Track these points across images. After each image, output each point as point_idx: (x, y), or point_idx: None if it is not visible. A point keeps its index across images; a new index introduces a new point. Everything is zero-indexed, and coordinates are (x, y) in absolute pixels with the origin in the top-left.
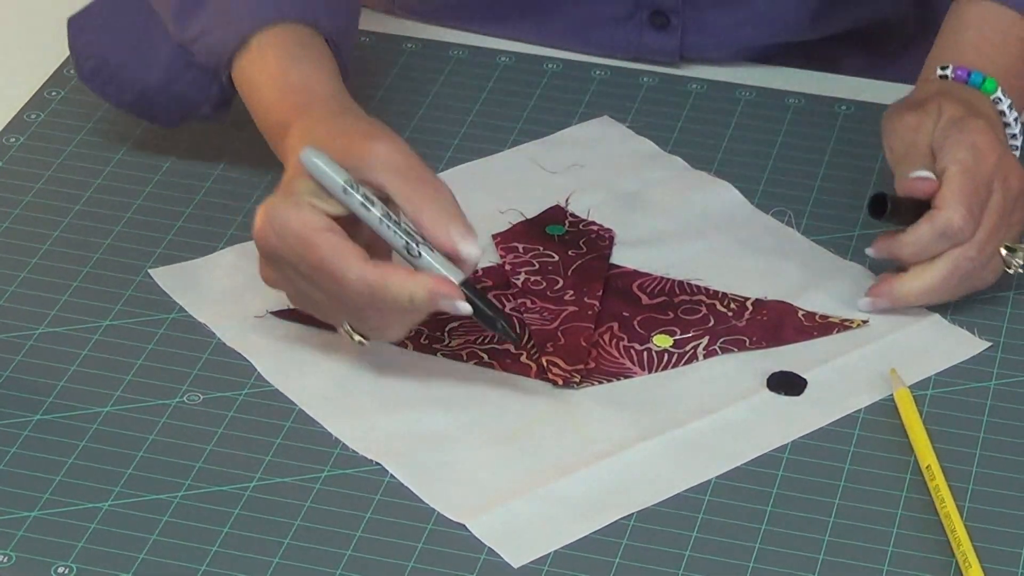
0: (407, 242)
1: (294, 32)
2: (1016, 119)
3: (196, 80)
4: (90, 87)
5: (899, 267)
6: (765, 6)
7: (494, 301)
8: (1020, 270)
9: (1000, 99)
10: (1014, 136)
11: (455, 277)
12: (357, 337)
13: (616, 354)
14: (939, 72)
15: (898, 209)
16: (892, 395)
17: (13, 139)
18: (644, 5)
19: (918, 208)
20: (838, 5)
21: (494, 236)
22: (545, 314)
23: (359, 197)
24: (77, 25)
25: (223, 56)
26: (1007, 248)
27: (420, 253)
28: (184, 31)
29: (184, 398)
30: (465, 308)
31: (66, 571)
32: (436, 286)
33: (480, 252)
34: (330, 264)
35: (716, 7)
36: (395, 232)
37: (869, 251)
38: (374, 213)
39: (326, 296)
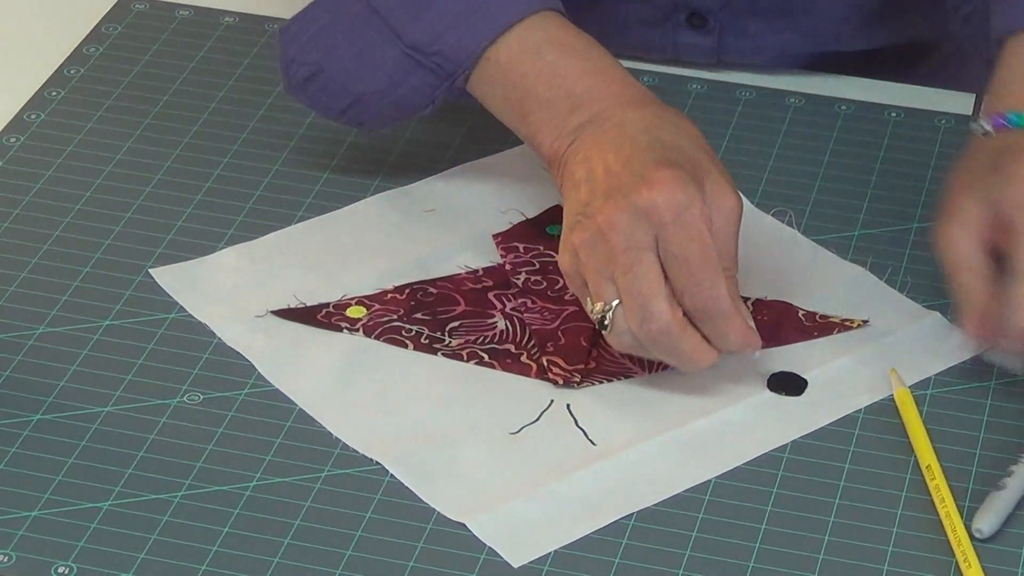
0: None
1: (553, 19)
2: None
3: (421, 83)
4: (300, 97)
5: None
6: (805, 17)
7: None
8: None
9: None
10: None
11: None
12: (620, 321)
13: (616, 354)
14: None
15: None
16: (892, 395)
17: (13, 139)
18: (681, 7)
19: None
20: (879, 19)
21: (495, 236)
22: (546, 314)
23: None
24: (290, 34)
25: (472, 53)
26: None
27: None
28: (416, 32)
29: (184, 398)
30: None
31: (66, 571)
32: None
33: None
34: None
35: (754, 13)
36: None
37: (968, 337)
38: None
39: (683, 255)
